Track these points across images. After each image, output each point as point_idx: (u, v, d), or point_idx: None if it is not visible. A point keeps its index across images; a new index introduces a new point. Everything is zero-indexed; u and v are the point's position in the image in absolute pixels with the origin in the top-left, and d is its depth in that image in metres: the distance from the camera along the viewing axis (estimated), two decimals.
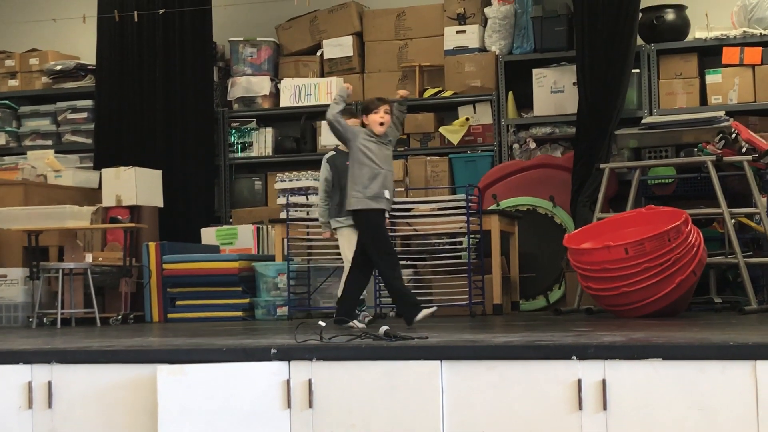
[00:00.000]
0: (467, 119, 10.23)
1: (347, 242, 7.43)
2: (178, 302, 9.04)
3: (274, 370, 5.01)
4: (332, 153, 7.83)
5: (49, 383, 5.19)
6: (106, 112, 10.90)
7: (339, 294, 7.28)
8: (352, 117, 7.40)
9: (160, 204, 9.79)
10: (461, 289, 8.29)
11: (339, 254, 8.68)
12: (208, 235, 9.90)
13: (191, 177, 10.63)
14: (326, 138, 10.61)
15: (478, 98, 10.22)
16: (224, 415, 4.96)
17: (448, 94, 10.32)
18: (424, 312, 6.72)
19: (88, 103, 11.16)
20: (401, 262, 8.66)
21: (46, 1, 11.65)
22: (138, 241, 9.19)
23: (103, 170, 9.69)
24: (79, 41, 11.41)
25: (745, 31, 9.58)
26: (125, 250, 8.86)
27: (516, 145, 9.99)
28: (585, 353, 4.69)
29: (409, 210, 8.61)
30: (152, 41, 10.82)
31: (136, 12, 10.61)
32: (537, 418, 4.71)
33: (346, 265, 7.33)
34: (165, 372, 4.97)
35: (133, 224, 9.08)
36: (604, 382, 4.63)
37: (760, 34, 9.53)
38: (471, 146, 10.23)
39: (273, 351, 5.04)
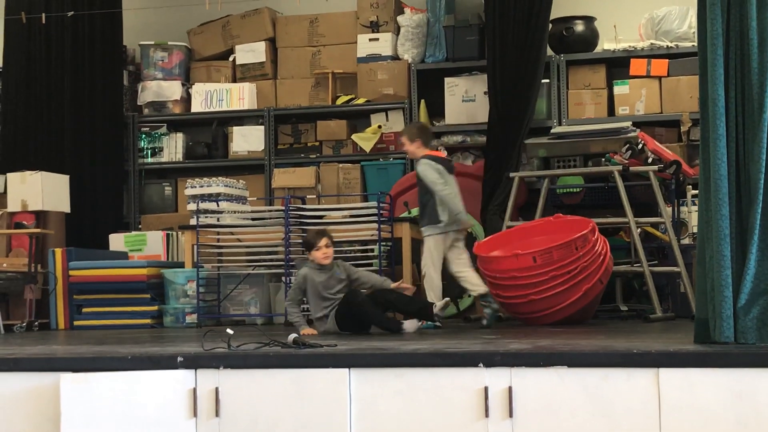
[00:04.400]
0: (380, 127, 10.25)
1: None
2: (85, 309, 8.87)
3: (180, 379, 4.95)
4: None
5: None
6: (13, 115, 10.66)
7: None
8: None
9: (67, 209, 9.61)
10: None
11: (249, 261, 8.65)
12: (117, 241, 9.75)
13: (100, 182, 10.46)
14: (238, 144, 10.56)
15: (391, 106, 10.25)
16: (128, 424, 4.89)
17: (360, 101, 10.33)
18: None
19: None
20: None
21: None
22: (44, 246, 9.01)
23: (9, 174, 9.49)
24: None
25: (652, 43, 9.75)
26: (30, 256, 8.68)
27: None
28: (492, 361, 4.72)
29: (321, 217, 8.59)
30: (61, 44, 10.62)
31: (44, 14, 10.40)
32: (444, 425, 4.74)
33: None
34: (68, 380, 4.90)
35: (38, 230, 8.91)
36: (510, 389, 4.67)
37: (667, 46, 9.70)
38: (383, 154, 10.25)
39: (179, 359, 4.99)
